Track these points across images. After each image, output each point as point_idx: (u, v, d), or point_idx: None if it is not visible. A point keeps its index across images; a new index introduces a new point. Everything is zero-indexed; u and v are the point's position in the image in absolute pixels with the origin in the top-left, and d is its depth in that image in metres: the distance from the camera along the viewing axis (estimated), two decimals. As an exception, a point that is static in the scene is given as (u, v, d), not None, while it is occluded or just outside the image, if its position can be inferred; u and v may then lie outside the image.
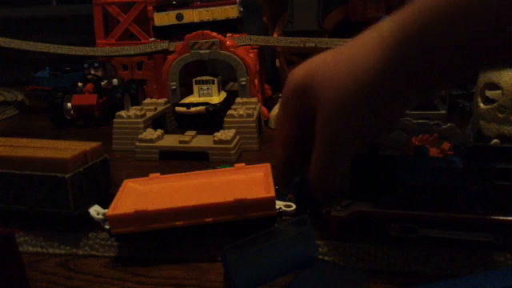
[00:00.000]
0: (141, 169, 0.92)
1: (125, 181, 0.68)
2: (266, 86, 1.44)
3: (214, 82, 1.17)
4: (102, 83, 1.29)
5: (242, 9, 1.34)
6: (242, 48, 1.22)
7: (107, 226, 0.59)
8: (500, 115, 0.78)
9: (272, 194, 0.59)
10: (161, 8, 1.36)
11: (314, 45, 1.29)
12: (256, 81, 1.19)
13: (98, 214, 0.63)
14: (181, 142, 0.98)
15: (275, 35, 1.43)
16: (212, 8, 1.31)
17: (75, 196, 0.61)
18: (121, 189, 0.65)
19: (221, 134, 0.96)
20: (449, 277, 0.54)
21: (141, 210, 0.57)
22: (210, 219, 0.58)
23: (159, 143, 0.99)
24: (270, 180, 0.63)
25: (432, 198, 0.56)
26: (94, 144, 0.67)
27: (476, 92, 0.83)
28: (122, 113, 1.07)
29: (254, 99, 1.13)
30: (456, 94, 1.28)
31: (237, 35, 1.32)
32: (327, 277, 0.53)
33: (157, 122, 1.12)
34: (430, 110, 1.16)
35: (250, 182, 0.66)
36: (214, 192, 0.64)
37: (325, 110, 0.51)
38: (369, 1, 1.35)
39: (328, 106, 0.51)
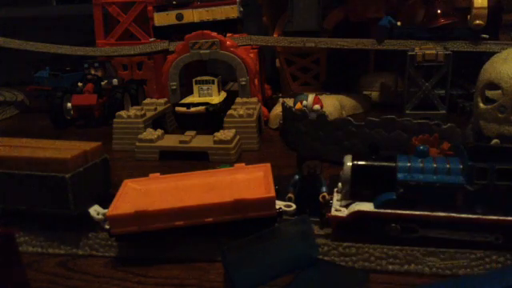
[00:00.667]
0: (141, 169, 0.92)
1: (125, 181, 0.67)
2: (266, 86, 1.44)
3: (213, 82, 1.17)
4: (102, 83, 1.29)
5: (241, 9, 1.34)
6: (241, 48, 1.22)
7: (107, 226, 0.59)
8: (500, 115, 0.78)
9: (272, 193, 0.59)
10: (161, 8, 1.36)
11: (313, 45, 1.29)
12: (256, 81, 1.19)
13: (98, 214, 0.63)
14: (181, 141, 0.98)
15: (275, 35, 1.43)
16: (212, 8, 1.31)
17: (75, 196, 0.61)
18: (121, 189, 0.65)
19: (221, 134, 0.96)
20: (449, 277, 0.55)
21: (141, 210, 0.57)
22: (210, 219, 0.58)
23: (159, 143, 0.99)
24: (270, 180, 0.63)
25: (432, 198, 0.56)
26: (93, 144, 0.67)
27: (476, 92, 0.83)
28: (122, 113, 1.07)
29: (254, 99, 1.13)
30: (456, 94, 1.28)
31: (237, 35, 1.32)
32: (327, 277, 0.53)
33: (157, 122, 1.12)
34: (430, 110, 1.16)
35: (250, 182, 0.65)
36: (214, 192, 0.64)
37: None
38: (369, 1, 1.35)
39: None
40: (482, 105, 0.81)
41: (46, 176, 0.61)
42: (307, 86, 1.49)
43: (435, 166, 0.57)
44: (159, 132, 1.01)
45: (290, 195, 0.63)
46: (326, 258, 0.57)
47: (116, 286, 0.55)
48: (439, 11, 1.19)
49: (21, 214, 0.64)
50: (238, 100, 1.13)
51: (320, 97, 0.97)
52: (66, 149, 0.64)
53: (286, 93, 1.47)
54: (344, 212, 0.59)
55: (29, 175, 0.62)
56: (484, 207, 0.55)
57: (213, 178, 0.69)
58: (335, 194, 0.64)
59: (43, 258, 0.61)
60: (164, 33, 1.36)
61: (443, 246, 0.56)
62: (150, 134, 1.00)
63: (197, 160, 0.94)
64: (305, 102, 0.95)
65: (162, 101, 1.18)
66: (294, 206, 0.61)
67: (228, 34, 1.28)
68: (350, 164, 0.60)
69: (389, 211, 0.57)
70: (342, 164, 0.61)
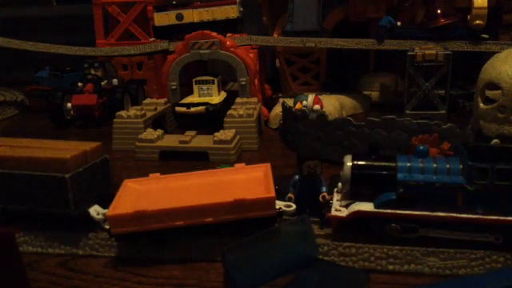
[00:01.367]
0: (141, 169, 0.92)
1: (125, 181, 0.67)
2: (266, 86, 1.44)
3: (213, 82, 1.17)
4: (102, 83, 1.29)
5: (241, 9, 1.34)
6: (241, 48, 1.22)
7: (107, 226, 0.59)
8: (500, 115, 0.78)
9: (272, 194, 0.59)
10: (161, 8, 1.36)
11: (313, 45, 1.29)
12: (256, 81, 1.19)
13: (97, 214, 0.63)
14: (181, 141, 0.98)
15: (275, 35, 1.43)
16: (212, 8, 1.31)
17: (75, 196, 0.61)
18: (121, 189, 0.65)
19: (221, 134, 0.96)
20: (449, 277, 0.55)
21: (141, 210, 0.57)
22: (210, 219, 0.58)
23: (159, 143, 0.99)
24: (270, 180, 0.63)
25: (432, 198, 0.56)
26: (93, 144, 0.67)
27: (476, 92, 0.83)
28: (122, 113, 1.07)
29: (254, 99, 1.13)
30: (456, 93, 1.27)
31: (237, 35, 1.32)
32: (327, 277, 0.53)
33: (157, 122, 1.12)
34: (430, 110, 1.16)
35: (250, 181, 0.65)
36: (214, 192, 0.64)
37: None
38: (369, 1, 1.35)
39: None
40: (481, 105, 0.81)
41: (46, 176, 0.61)
42: (307, 86, 1.49)
43: (435, 166, 0.57)
44: (159, 132, 1.01)
45: (290, 195, 0.63)
46: (326, 258, 0.57)
47: (116, 286, 0.55)
48: (439, 11, 1.19)
49: (21, 214, 0.64)
50: (238, 100, 1.13)
51: (320, 97, 0.97)
52: (66, 149, 0.64)
53: (286, 93, 1.47)
54: (344, 212, 0.59)
55: (28, 175, 0.62)
56: (484, 207, 0.55)
57: (213, 178, 0.69)
58: (335, 194, 0.63)
59: (43, 258, 0.61)
60: (164, 33, 1.36)
61: (443, 246, 0.56)
62: (150, 134, 1.00)
63: (197, 160, 0.94)
64: (305, 102, 0.95)
65: (162, 101, 1.18)
66: (294, 206, 0.61)
67: (228, 34, 1.28)
68: (349, 164, 0.60)
69: (389, 211, 0.57)
70: (341, 164, 0.61)
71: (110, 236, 0.59)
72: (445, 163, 0.57)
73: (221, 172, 0.70)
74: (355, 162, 0.60)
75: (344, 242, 0.58)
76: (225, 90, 1.28)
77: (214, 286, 0.54)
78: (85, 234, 0.63)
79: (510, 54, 0.80)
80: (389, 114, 0.86)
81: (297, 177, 0.64)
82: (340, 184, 0.62)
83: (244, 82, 1.16)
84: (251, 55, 1.22)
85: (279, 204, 0.61)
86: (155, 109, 1.13)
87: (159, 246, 0.60)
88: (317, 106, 0.93)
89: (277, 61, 1.52)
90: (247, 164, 0.71)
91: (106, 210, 0.61)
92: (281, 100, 1.20)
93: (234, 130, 0.99)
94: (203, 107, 1.06)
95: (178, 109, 1.08)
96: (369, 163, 0.60)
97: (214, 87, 1.17)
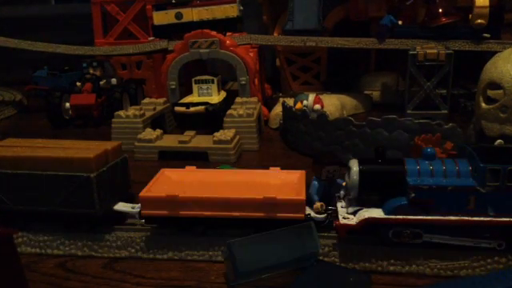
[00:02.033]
0: (140, 169, 0.91)
1: (162, 169, 0.68)
2: (266, 86, 1.44)
3: (213, 82, 1.17)
4: (101, 83, 1.28)
5: (241, 7, 1.34)
6: (241, 47, 1.21)
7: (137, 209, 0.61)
8: (502, 115, 0.77)
9: (302, 197, 0.58)
10: (160, 7, 1.36)
11: (314, 44, 1.28)
12: (256, 80, 1.19)
13: (132, 208, 0.63)
14: (180, 141, 0.97)
15: (275, 34, 1.43)
16: (211, 7, 1.31)
17: (100, 195, 0.60)
18: (157, 175, 0.66)
19: (220, 134, 0.96)
20: (449, 277, 0.54)
21: (172, 195, 0.58)
22: (237, 213, 0.58)
23: (158, 143, 0.98)
24: (303, 185, 0.62)
25: (443, 202, 0.54)
26: (114, 143, 0.66)
27: (478, 92, 0.83)
28: (121, 112, 1.06)
29: (254, 99, 1.12)
30: (458, 93, 1.27)
31: (236, 34, 1.31)
32: (327, 277, 0.52)
33: (156, 121, 1.11)
34: (431, 109, 1.16)
35: (283, 184, 0.65)
36: (245, 189, 0.63)
37: None
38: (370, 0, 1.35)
39: None
40: (483, 104, 0.80)
41: (71, 176, 0.59)
42: (308, 86, 1.48)
43: (444, 168, 0.55)
44: (158, 132, 1.01)
45: (318, 204, 0.59)
46: (325, 259, 0.57)
47: (115, 287, 0.54)
48: (441, 10, 1.19)
49: (44, 214, 0.62)
50: (238, 100, 1.12)
51: (320, 96, 0.97)
52: (87, 148, 0.63)
53: (287, 92, 1.47)
54: (353, 220, 0.56)
55: (51, 175, 0.60)
56: (496, 209, 0.54)
57: (247, 177, 0.68)
58: (338, 201, 0.61)
59: (42, 259, 0.60)
60: (163, 32, 1.36)
61: (443, 246, 0.56)
62: (149, 133, 0.99)
63: (196, 160, 0.94)
64: (305, 102, 0.94)
65: (161, 100, 1.18)
66: (324, 215, 0.59)
67: (228, 33, 1.28)
68: (356, 169, 0.56)
69: (403, 217, 0.55)
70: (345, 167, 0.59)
71: (139, 218, 0.61)
72: (454, 165, 0.55)
73: (255, 173, 0.70)
74: (363, 167, 0.56)
75: (345, 243, 0.57)
76: (224, 90, 1.28)
77: (213, 287, 0.54)
78: (84, 234, 0.62)
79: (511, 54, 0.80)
80: (390, 113, 0.85)
81: (316, 183, 0.61)
82: (342, 191, 0.60)
83: (244, 82, 1.15)
84: (251, 54, 1.22)
85: (309, 210, 0.60)
86: (154, 108, 1.12)
87: (159, 247, 0.60)
88: (317, 106, 0.93)
89: (277, 60, 1.51)
90: (247, 164, 0.70)
91: (134, 205, 0.63)
92: (281, 100, 1.19)
93: (233, 130, 0.98)
94: (203, 107, 1.06)
95: (177, 108, 1.07)
96: (377, 168, 0.57)
97: (214, 87, 1.17)
